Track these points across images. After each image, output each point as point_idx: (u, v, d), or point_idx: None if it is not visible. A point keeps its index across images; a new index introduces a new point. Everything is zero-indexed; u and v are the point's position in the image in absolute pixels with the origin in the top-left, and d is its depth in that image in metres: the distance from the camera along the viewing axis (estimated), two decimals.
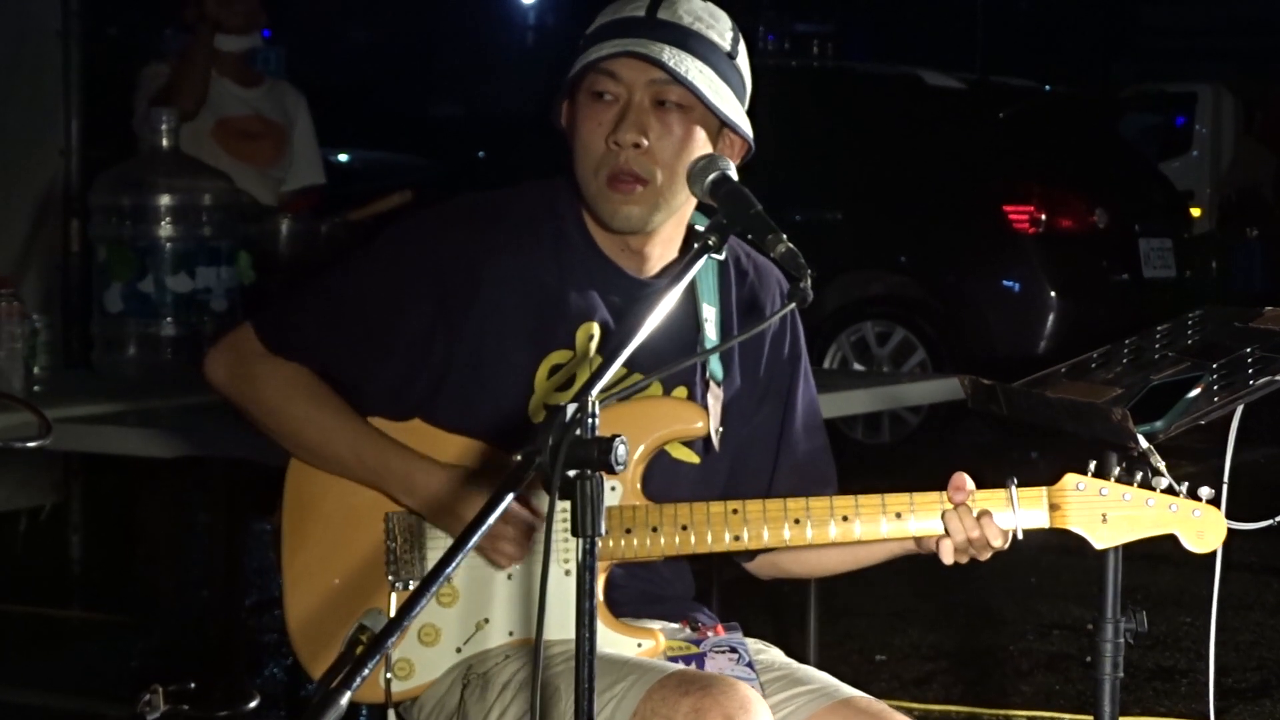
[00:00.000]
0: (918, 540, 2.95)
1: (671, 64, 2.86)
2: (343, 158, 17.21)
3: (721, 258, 2.96)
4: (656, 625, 3.03)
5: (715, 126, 2.94)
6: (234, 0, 6.70)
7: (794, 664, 3.06)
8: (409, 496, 2.96)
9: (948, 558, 2.90)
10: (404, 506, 2.99)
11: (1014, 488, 2.89)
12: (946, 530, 2.88)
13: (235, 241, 5.66)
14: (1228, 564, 3.06)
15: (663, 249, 3.02)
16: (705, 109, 2.90)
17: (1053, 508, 2.89)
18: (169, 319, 5.46)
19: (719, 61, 2.92)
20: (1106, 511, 2.88)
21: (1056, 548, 3.05)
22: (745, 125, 2.96)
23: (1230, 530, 2.90)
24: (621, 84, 2.90)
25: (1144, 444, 2.93)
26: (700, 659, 2.98)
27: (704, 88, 2.88)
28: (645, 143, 2.88)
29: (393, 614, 2.92)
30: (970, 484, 2.89)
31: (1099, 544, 2.91)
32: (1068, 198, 11.02)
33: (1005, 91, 12.22)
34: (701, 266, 2.94)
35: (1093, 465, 2.90)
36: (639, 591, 3.06)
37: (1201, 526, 2.88)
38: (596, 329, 3.00)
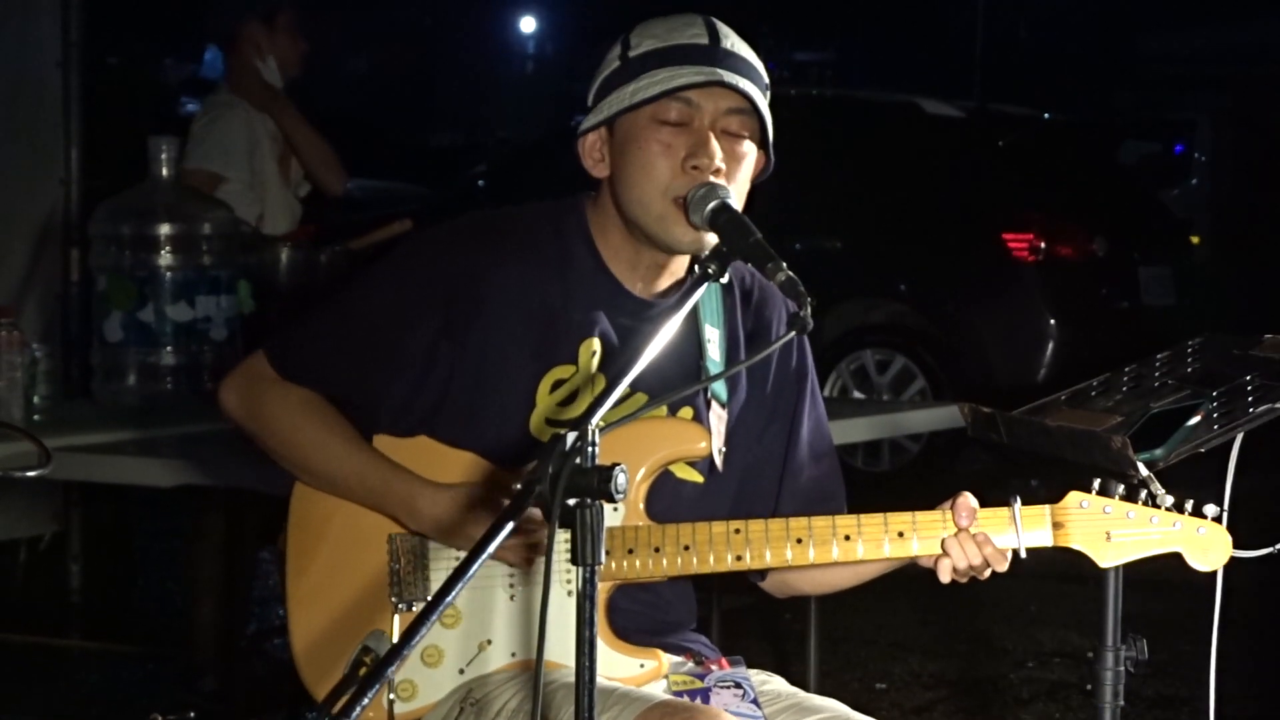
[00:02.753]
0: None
1: (754, 95, 2.92)
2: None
3: (725, 280, 2.99)
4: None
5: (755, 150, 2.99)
6: (295, 40, 6.76)
7: (800, 692, 3.06)
8: (412, 520, 2.97)
9: (945, 577, 2.89)
10: (408, 530, 2.99)
11: (1017, 506, 2.88)
12: (946, 552, 2.88)
13: (235, 270, 5.67)
14: (1228, 591, 3.06)
15: (677, 267, 3.04)
16: (753, 136, 2.96)
17: (1056, 526, 2.88)
18: (169, 348, 5.47)
19: (764, 92, 2.98)
20: (1110, 530, 2.87)
21: (1057, 575, 3.05)
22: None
23: (1231, 558, 2.90)
24: (695, 110, 2.93)
25: (1144, 472, 2.93)
26: (705, 693, 2.97)
27: (765, 113, 2.95)
28: (724, 167, 2.91)
29: (396, 635, 2.93)
30: (974, 503, 2.89)
31: (1103, 562, 2.90)
32: (1067, 225, 11.02)
33: (1004, 119, 12.24)
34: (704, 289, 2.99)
35: (1096, 483, 2.89)
36: (642, 618, 3.06)
37: (1206, 544, 2.87)
38: (599, 345, 3.01)
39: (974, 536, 2.87)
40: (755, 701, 2.97)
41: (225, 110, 6.73)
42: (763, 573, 3.16)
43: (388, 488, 2.98)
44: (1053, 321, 10.75)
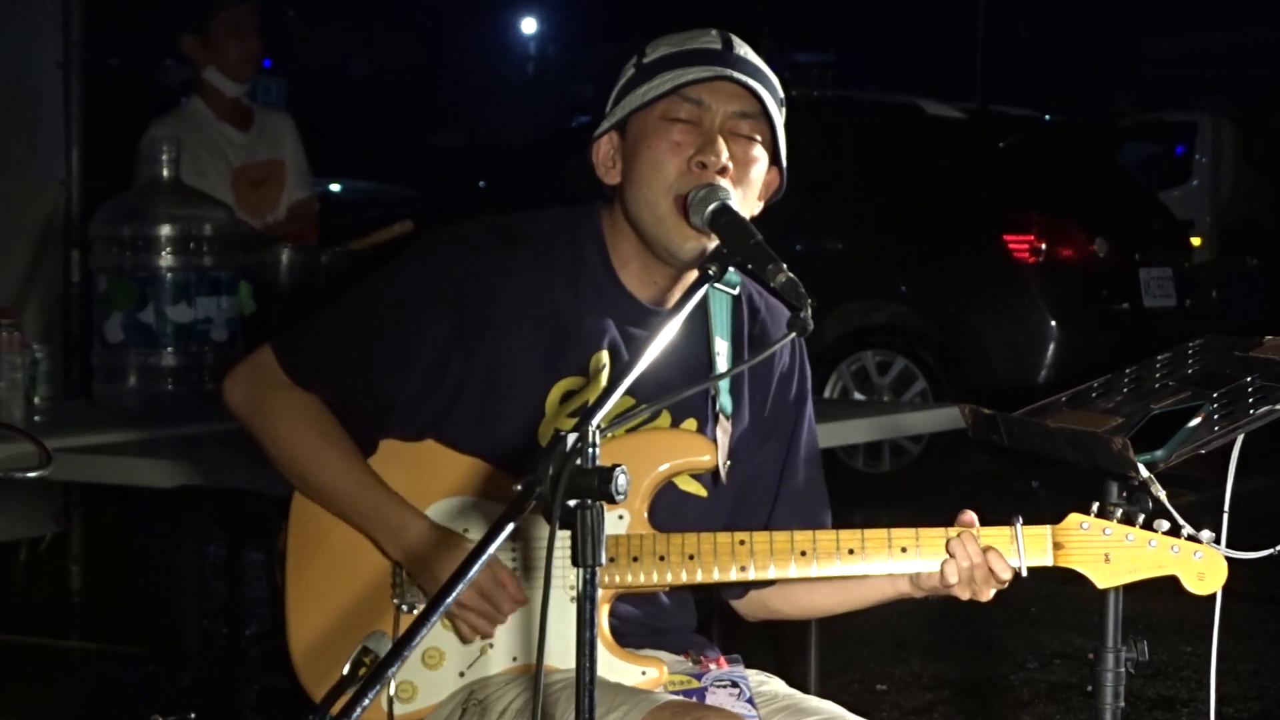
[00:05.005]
0: (914, 581, 2.95)
1: (765, 98, 2.92)
2: (335, 188, 17.20)
3: (735, 291, 3.00)
4: (660, 656, 3.03)
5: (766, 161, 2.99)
6: (236, 44, 6.67)
7: (797, 694, 3.06)
8: (395, 548, 2.96)
9: (951, 577, 2.89)
10: (390, 559, 2.98)
11: (1019, 526, 2.89)
12: (951, 554, 2.88)
13: (236, 271, 5.67)
14: (1229, 593, 3.06)
15: (686, 281, 3.03)
16: (765, 144, 2.96)
17: (1057, 546, 2.89)
18: (169, 349, 5.46)
19: (779, 106, 2.99)
20: (1109, 552, 2.89)
21: (1057, 577, 3.05)
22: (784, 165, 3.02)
23: (1231, 559, 2.90)
24: (705, 110, 2.93)
25: (1144, 473, 2.93)
26: (701, 693, 2.98)
27: (778, 126, 2.95)
28: (731, 167, 2.90)
29: (396, 636, 2.92)
30: (973, 516, 2.90)
31: (1101, 584, 2.91)
32: (1068, 227, 11.02)
33: (1005, 121, 12.23)
34: (714, 300, 2.99)
35: (1095, 506, 2.91)
36: (642, 624, 3.06)
37: (1202, 569, 2.89)
38: (608, 357, 3.00)
39: (975, 538, 2.88)
40: (751, 701, 2.97)
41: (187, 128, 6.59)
42: (742, 591, 3.17)
43: (379, 512, 2.97)
44: (1053, 323, 10.76)
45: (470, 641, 2.96)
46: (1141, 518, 2.89)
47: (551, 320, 3.00)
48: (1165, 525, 2.88)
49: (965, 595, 2.91)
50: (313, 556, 3.04)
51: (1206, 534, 2.88)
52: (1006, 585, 2.91)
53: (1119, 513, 2.91)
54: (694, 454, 2.98)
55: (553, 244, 3.04)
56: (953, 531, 2.89)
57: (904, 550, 2.90)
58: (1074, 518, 2.90)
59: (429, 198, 16.03)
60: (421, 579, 2.94)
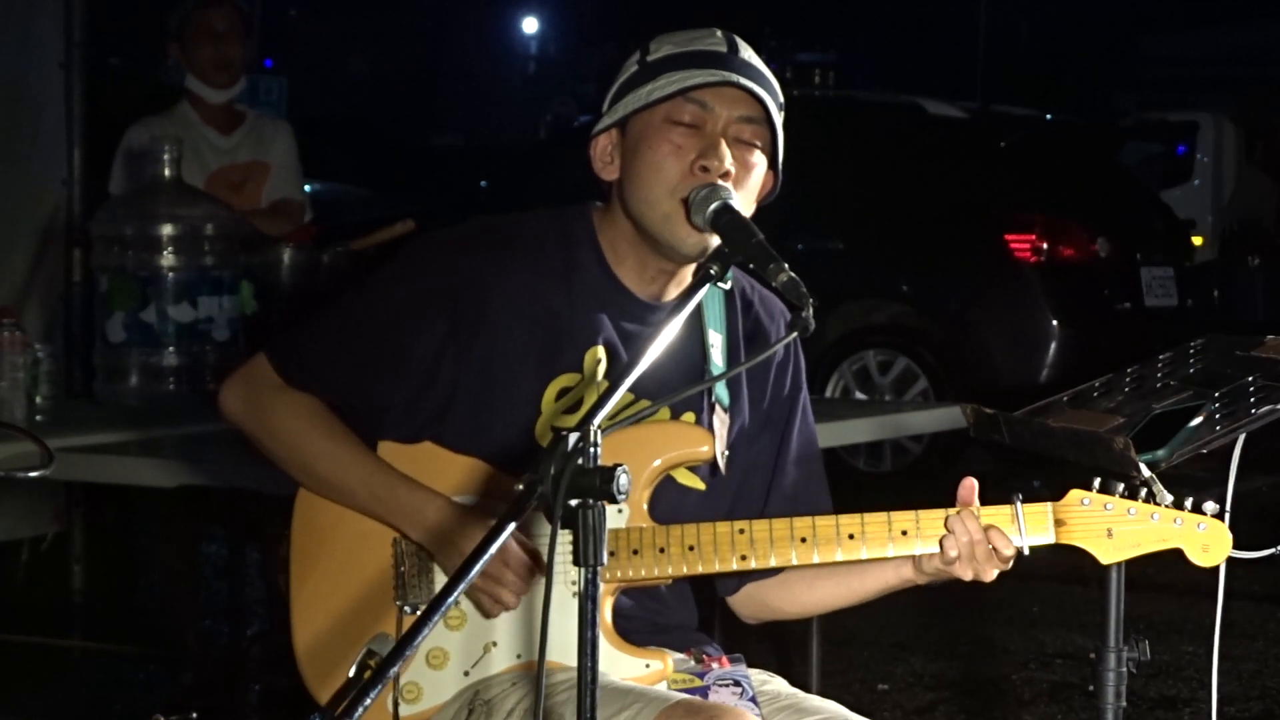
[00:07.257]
0: (917, 566, 2.95)
1: (768, 104, 2.93)
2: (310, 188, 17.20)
3: (728, 286, 3.00)
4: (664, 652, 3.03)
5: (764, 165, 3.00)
6: (210, 50, 6.63)
7: (799, 693, 3.06)
8: (416, 530, 2.96)
9: (952, 550, 2.88)
10: (411, 541, 2.99)
11: (1019, 504, 2.89)
12: (950, 530, 2.87)
13: (237, 271, 5.67)
14: (1230, 593, 3.06)
15: (684, 275, 3.04)
16: (764, 149, 2.97)
17: (1058, 523, 2.89)
18: (171, 348, 5.47)
19: (779, 111, 3.00)
20: (1112, 527, 2.88)
21: (1059, 576, 3.05)
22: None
23: (1233, 559, 2.90)
24: (709, 113, 2.94)
25: (1146, 472, 2.93)
26: (704, 692, 2.98)
27: (778, 131, 2.97)
28: (733, 172, 2.91)
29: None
30: (974, 481, 2.90)
31: (1104, 559, 2.91)
32: (1069, 226, 11.02)
33: (1007, 120, 12.23)
34: (708, 294, 3.00)
35: (1097, 482, 2.90)
36: (645, 620, 3.07)
37: (1207, 540, 2.87)
38: (604, 353, 3.01)
39: (976, 515, 2.88)
40: (754, 700, 2.97)
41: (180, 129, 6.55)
42: (738, 584, 3.17)
43: (394, 495, 2.97)
44: (1055, 322, 10.75)
45: (493, 615, 2.95)
46: (1144, 492, 2.88)
47: (545, 318, 3.01)
48: (1169, 498, 2.87)
49: (968, 575, 2.90)
50: (316, 560, 3.05)
51: (1210, 505, 2.88)
52: (1009, 565, 2.90)
53: (1120, 488, 2.90)
54: (692, 445, 2.99)
55: (544, 244, 3.05)
56: (952, 511, 2.90)
57: (904, 533, 2.90)
58: (1075, 494, 2.90)
59: (372, 197, 16.03)
60: (446, 557, 2.94)
